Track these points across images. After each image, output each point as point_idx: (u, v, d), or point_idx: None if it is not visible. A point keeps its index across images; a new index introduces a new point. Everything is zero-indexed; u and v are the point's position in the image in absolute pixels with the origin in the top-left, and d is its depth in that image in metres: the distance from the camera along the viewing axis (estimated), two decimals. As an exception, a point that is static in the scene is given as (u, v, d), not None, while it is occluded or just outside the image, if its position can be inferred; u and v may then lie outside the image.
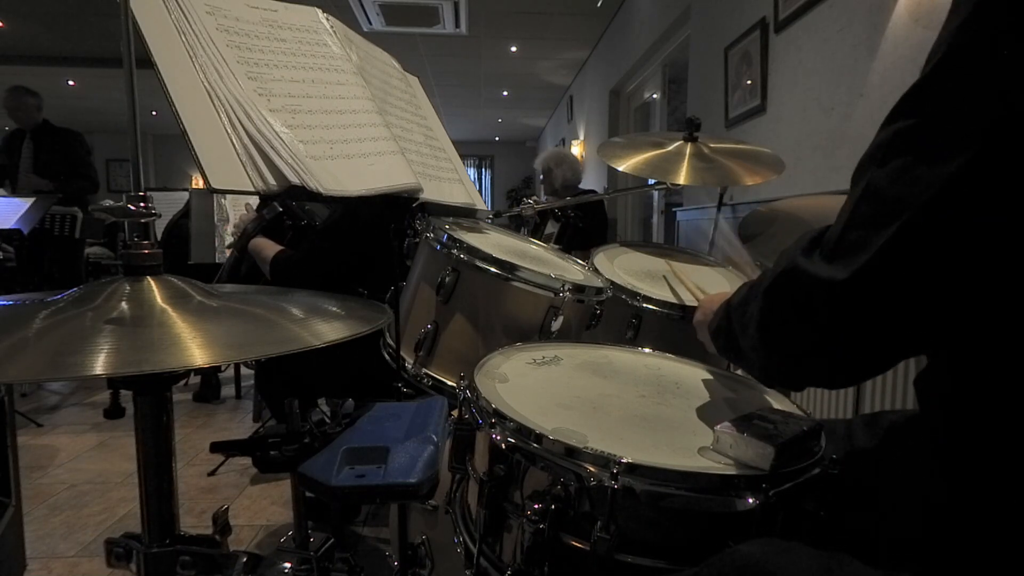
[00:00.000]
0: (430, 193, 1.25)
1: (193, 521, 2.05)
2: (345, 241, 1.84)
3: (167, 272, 0.70)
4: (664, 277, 1.49)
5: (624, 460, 0.64)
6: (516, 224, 2.26)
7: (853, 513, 0.69)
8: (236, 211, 2.79)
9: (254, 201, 2.49)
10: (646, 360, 1.06)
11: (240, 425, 3.06)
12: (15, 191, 3.99)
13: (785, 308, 0.62)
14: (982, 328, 0.54)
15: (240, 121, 0.91)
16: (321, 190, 0.94)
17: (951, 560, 0.57)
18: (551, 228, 2.36)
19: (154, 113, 8.53)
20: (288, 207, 2.04)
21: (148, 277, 0.68)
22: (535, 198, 2.11)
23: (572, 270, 1.37)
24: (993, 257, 0.49)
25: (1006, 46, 0.47)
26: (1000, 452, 0.55)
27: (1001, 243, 0.49)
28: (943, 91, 0.51)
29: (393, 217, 1.32)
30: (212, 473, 2.42)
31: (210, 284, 0.73)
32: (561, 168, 3.57)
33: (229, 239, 2.75)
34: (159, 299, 0.65)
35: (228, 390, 3.49)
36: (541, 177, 3.71)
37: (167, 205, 3.46)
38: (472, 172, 13.73)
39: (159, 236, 3.07)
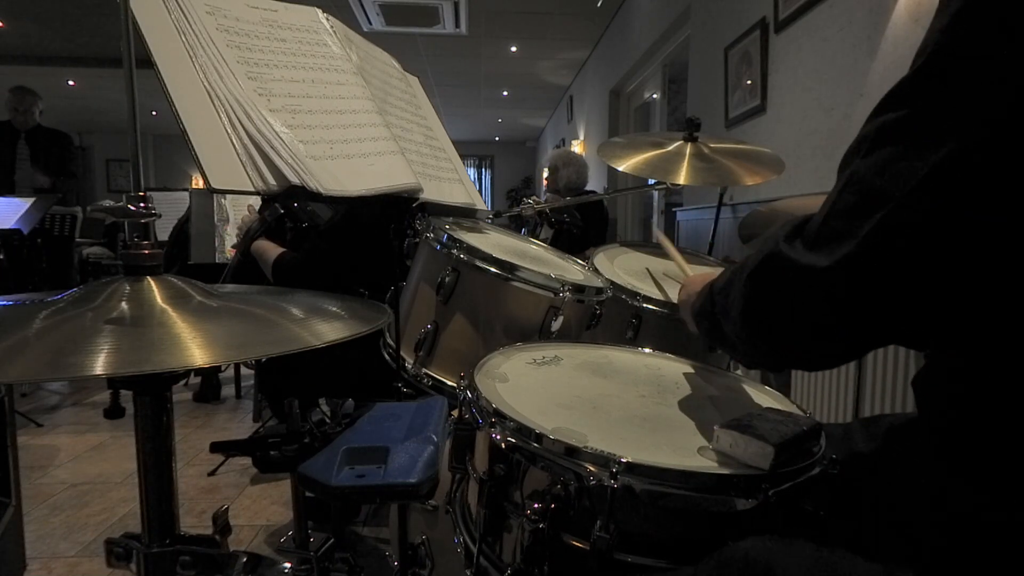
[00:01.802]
0: (430, 193, 1.25)
1: (193, 521, 2.04)
2: (345, 242, 1.84)
3: (174, 275, 0.70)
4: (647, 270, 1.48)
5: (624, 460, 0.64)
6: (516, 224, 2.26)
7: (852, 513, 0.69)
8: (237, 212, 2.78)
9: (256, 202, 2.49)
10: (646, 360, 1.07)
11: (240, 425, 3.06)
12: (13, 189, 4.00)
13: (767, 294, 0.63)
14: (976, 324, 0.54)
15: (240, 121, 0.91)
16: (321, 190, 0.94)
17: (958, 560, 0.57)
18: (545, 233, 2.37)
19: (154, 113, 8.54)
20: (289, 208, 2.04)
21: (148, 277, 0.68)
22: (535, 198, 2.11)
23: (572, 270, 1.37)
24: (976, 250, 0.50)
25: (992, 42, 0.47)
26: (1009, 449, 0.54)
27: (984, 237, 0.49)
28: (929, 86, 0.51)
29: (393, 217, 1.32)
30: (212, 473, 2.43)
31: (212, 285, 0.73)
32: (567, 169, 3.58)
33: (230, 239, 2.75)
34: (159, 299, 0.65)
35: (228, 390, 3.49)
36: (546, 173, 3.71)
37: (167, 205, 3.46)
38: (472, 172, 13.73)
39: (165, 239, 3.08)
